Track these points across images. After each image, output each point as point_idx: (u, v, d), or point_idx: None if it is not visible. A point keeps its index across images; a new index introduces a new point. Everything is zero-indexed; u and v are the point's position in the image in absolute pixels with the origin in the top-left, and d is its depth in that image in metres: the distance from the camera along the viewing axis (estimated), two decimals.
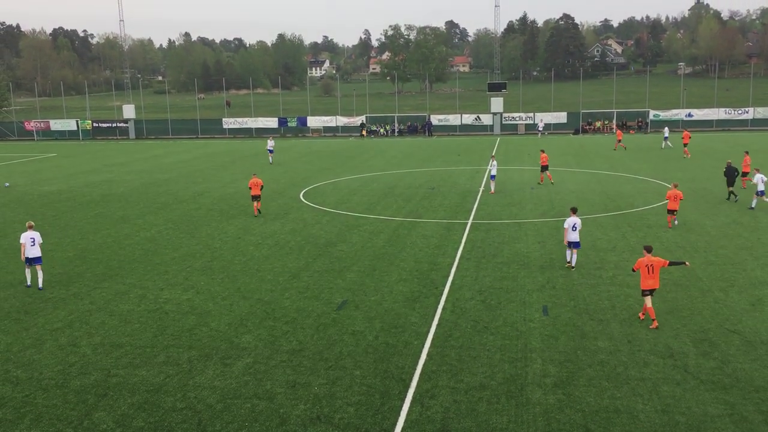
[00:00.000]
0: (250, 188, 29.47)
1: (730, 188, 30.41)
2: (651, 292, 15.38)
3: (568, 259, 20.07)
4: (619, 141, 55.07)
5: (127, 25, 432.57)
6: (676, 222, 25.41)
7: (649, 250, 15.77)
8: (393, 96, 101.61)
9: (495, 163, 35.35)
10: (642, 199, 31.26)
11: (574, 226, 19.31)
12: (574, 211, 19.85)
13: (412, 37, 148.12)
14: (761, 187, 28.30)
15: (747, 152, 35.02)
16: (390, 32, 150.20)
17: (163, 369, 13.54)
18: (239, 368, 13.52)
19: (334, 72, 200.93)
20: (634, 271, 16.14)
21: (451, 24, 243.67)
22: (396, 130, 79.83)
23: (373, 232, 25.70)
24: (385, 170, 44.86)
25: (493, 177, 34.51)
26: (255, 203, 29.48)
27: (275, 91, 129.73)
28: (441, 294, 18.02)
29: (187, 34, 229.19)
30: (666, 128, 58.75)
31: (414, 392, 12.37)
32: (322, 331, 15.48)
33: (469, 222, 27.23)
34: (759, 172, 28.96)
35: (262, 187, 29.52)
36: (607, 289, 18.02)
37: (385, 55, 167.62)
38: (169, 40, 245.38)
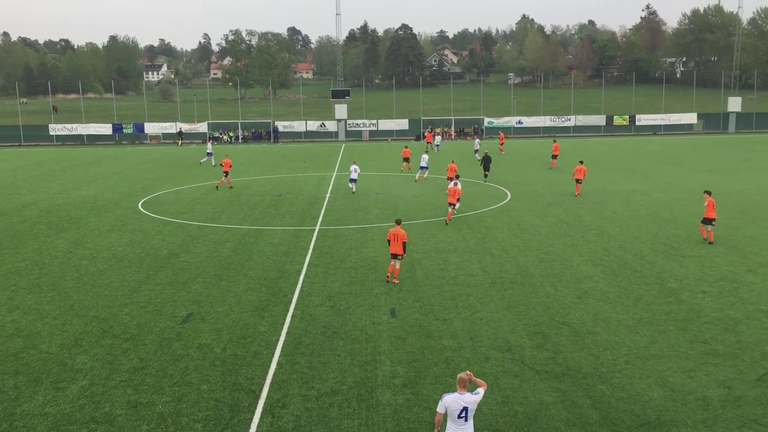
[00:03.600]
0: (222, 165, 38.68)
1: (486, 173, 39.82)
2: (395, 256, 19.13)
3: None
4: (502, 144, 59.44)
5: None
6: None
7: (398, 222, 19.68)
8: (236, 102, 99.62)
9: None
10: (480, 201, 32.88)
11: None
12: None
13: (254, 42, 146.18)
14: (423, 164, 37.94)
15: (555, 140, 45.83)
16: (231, 37, 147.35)
17: None
18: (74, 392, 12.59)
19: (173, 77, 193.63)
20: (388, 240, 19.33)
21: (293, 30, 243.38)
22: (240, 137, 78.37)
23: (219, 242, 25.02)
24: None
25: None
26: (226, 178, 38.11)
27: (108, 95, 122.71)
28: (290, 302, 17.88)
29: (5, 34, 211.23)
30: (438, 137, 64.37)
31: (264, 403, 12.15)
32: (166, 347, 14.80)
33: (317, 228, 27.29)
34: (426, 153, 38.69)
35: (231, 165, 38.88)
36: (450, 289, 18.75)
37: (227, 61, 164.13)
38: None
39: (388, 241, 19.49)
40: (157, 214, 30.82)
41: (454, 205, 28.29)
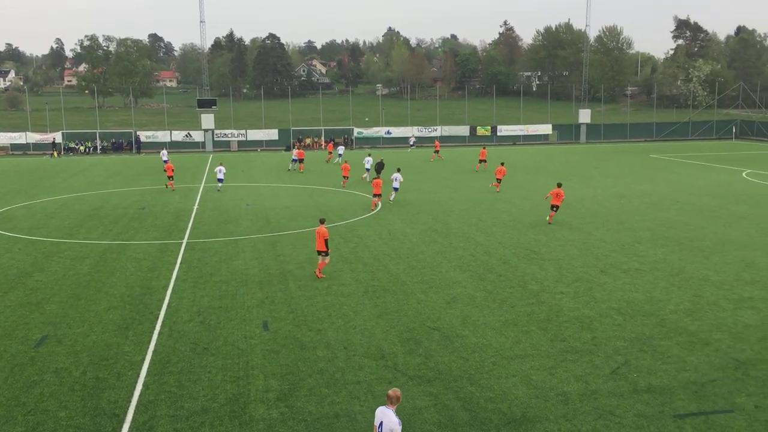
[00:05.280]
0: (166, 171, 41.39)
1: (378, 176, 39.46)
2: (320, 253, 20.56)
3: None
4: (437, 152, 61.56)
5: None
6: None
7: (322, 222, 21.10)
8: (93, 111, 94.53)
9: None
10: (351, 211, 33.13)
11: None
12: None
13: (112, 48, 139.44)
14: (396, 185, 35.81)
15: (484, 146, 52.35)
16: (87, 43, 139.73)
17: None
18: None
19: (22, 83, 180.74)
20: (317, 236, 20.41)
21: (155, 37, 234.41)
22: (98, 147, 74.42)
23: (77, 258, 23.58)
24: (88, 191, 41.54)
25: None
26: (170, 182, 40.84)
27: None
28: (156, 319, 17.14)
29: None
30: (341, 146, 64.66)
31: (130, 426, 11.56)
32: (18, 373, 13.73)
33: (184, 242, 26.38)
34: (398, 172, 36.80)
35: (174, 170, 41.85)
36: (323, 299, 18.72)
37: (83, 67, 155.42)
38: None
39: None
40: (5, 231, 28.59)
41: (379, 195, 32.73)
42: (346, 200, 36.81)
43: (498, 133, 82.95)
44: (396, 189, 35.78)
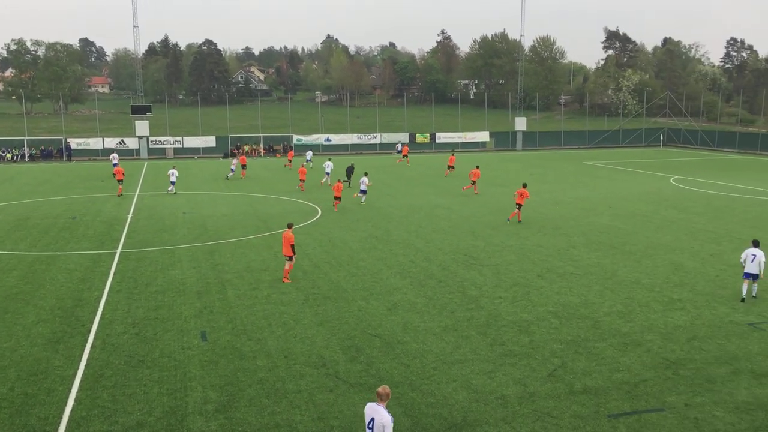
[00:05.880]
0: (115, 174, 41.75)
1: (348, 181, 44.51)
2: (287, 256, 21.02)
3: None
4: (405, 156, 64.06)
5: None
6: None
7: (289, 226, 21.40)
8: (21, 117, 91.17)
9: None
10: (290, 219, 32.81)
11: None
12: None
13: (41, 53, 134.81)
14: (363, 188, 38.02)
15: (453, 152, 54.61)
16: (14, 47, 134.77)
17: None
18: None
19: None
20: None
21: (86, 42, 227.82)
22: (27, 155, 71.76)
23: (3, 270, 22.64)
24: (15, 200, 39.99)
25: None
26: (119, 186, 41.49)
27: None
28: (89, 331, 16.60)
29: None
30: (309, 152, 64.34)
31: None
32: None
33: (118, 251, 25.66)
34: (366, 176, 38.58)
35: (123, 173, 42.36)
36: (263, 308, 18.50)
37: (9, 72, 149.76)
38: None
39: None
40: None
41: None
42: (286, 208, 36.53)
43: (437, 141, 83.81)
44: (364, 192, 38.06)
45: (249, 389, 13.33)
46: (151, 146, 74.80)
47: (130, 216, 33.84)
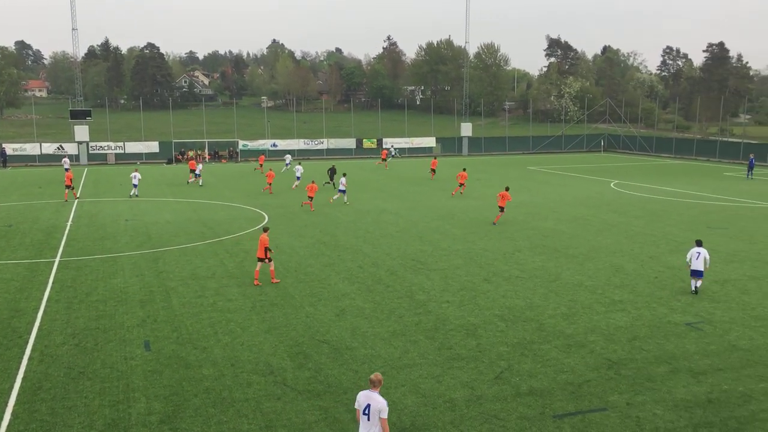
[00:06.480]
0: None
1: (332, 182, 46.93)
2: (260, 260, 21.33)
3: None
4: (384, 160, 66.34)
5: None
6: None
7: (265, 230, 21.92)
8: None
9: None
10: (237, 225, 32.48)
11: None
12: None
13: None
14: (342, 188, 39.74)
15: (435, 157, 57.32)
16: None
17: None
18: None
19: None
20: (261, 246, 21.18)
21: (22, 44, 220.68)
22: None
23: None
24: None
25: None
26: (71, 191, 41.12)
27: None
28: (26, 343, 16.04)
29: None
30: (288, 156, 65.73)
31: None
32: None
33: (57, 260, 24.90)
34: (344, 177, 40.23)
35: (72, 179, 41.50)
36: (209, 316, 18.21)
37: None
38: None
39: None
40: None
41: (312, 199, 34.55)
42: (231, 214, 36.06)
43: (384, 146, 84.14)
44: (343, 191, 39.74)
45: (194, 399, 13.09)
46: (91, 152, 72.91)
47: (69, 223, 32.88)
